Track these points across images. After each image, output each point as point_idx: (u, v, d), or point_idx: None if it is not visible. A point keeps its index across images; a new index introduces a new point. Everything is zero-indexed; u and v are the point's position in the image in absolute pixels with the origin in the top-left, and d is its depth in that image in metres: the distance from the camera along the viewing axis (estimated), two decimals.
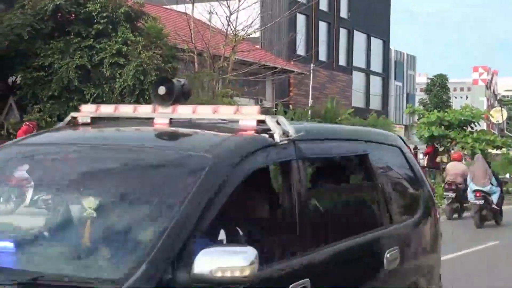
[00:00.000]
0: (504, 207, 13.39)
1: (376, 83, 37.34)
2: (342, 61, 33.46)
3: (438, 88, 41.28)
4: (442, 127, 21.14)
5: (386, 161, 3.45)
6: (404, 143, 3.76)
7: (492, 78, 72.00)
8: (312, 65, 28.11)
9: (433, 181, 19.78)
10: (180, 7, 21.15)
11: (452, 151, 19.69)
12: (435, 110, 24.32)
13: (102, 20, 14.94)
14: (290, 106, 25.79)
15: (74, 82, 14.61)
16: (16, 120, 14.04)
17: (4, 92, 15.47)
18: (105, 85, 15.02)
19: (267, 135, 2.67)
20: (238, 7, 18.81)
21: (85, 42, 14.89)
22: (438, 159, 21.14)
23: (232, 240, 2.55)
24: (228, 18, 19.09)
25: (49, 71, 14.83)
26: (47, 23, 14.93)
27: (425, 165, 21.14)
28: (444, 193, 14.20)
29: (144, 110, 2.96)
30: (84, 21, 15.15)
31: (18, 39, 14.38)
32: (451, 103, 41.38)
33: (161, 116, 2.80)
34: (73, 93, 14.87)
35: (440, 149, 21.54)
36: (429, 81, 44.83)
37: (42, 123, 13.96)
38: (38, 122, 13.58)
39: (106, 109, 3.04)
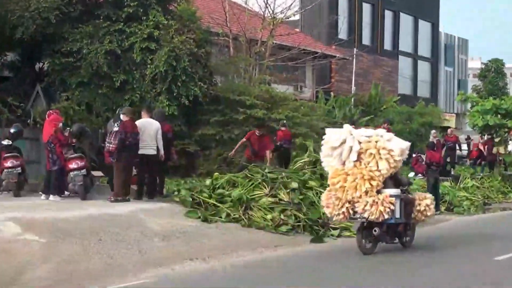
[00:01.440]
0: None
1: (424, 68, 36.34)
2: (387, 45, 32.73)
3: (493, 73, 39.74)
4: (498, 115, 20.31)
5: None
6: None
7: None
8: (355, 49, 27.54)
9: (480, 174, 19.01)
10: None
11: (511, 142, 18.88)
12: (490, 98, 23.47)
13: (133, 3, 14.76)
14: (332, 93, 25.32)
15: (103, 68, 14.50)
16: (43, 108, 14.03)
17: (31, 79, 15.50)
18: (135, 71, 14.90)
19: None
20: None
21: (114, 26, 14.74)
22: (494, 150, 20.31)
23: None
24: (265, 0, 18.72)
25: (78, 57, 14.76)
26: (75, 6, 14.83)
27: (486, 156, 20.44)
28: None
29: None
30: (113, 4, 15.01)
31: (46, 23, 14.32)
32: (508, 90, 39.83)
33: None
34: (102, 79, 14.78)
35: (496, 140, 20.68)
36: (483, 66, 43.27)
37: (70, 111, 13.92)
38: (65, 110, 13.54)
39: None
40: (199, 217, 9.64)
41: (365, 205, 7.92)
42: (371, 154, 8.11)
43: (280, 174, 10.99)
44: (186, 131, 15.43)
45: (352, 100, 25.35)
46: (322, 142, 8.65)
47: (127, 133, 10.12)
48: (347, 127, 8.66)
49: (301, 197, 10.34)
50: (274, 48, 20.22)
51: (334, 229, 9.80)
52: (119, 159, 10.07)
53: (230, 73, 18.13)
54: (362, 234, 8.18)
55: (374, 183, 7.92)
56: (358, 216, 8.11)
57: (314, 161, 11.86)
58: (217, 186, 10.68)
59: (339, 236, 9.69)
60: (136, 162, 10.56)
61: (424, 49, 36.11)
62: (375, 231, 8.07)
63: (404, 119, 24.68)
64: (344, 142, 8.27)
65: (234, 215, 9.83)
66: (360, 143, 8.24)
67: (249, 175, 10.82)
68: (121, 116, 10.35)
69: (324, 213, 9.20)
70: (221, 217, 9.74)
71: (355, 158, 8.18)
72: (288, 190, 10.31)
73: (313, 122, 17.80)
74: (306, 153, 12.83)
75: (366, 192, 7.93)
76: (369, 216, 7.95)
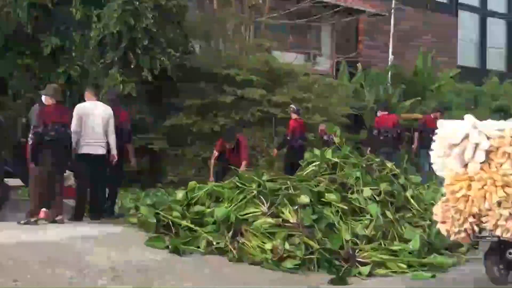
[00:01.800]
0: None
1: (497, 29, 36.32)
2: None
3: None
4: None
5: None
6: None
7: None
8: (393, 1, 27.54)
9: None
10: None
11: None
12: None
13: None
14: (359, 64, 25.32)
15: (27, 28, 14.57)
16: None
17: None
18: (74, 34, 14.98)
19: None
20: None
21: None
22: None
23: None
24: None
25: None
26: None
27: None
28: None
29: None
30: None
31: None
32: None
33: None
34: (24, 44, 14.87)
35: None
36: None
37: None
38: None
39: None
40: (167, 247, 9.57)
41: (498, 220, 7.96)
42: (505, 153, 8.13)
43: (284, 183, 10.96)
44: (149, 120, 15.46)
45: (389, 75, 25.43)
46: (435, 137, 8.69)
47: (46, 124, 10.02)
48: (469, 118, 8.62)
49: (314, 217, 10.30)
50: (276, 0, 20.24)
51: (363, 264, 9.77)
52: (36, 162, 10.02)
53: (214, 36, 18.17)
54: (492, 259, 8.23)
55: (510, 190, 7.95)
56: (486, 234, 8.17)
57: (333, 164, 11.84)
58: (194, 201, 10.66)
59: (370, 274, 9.65)
60: (75, 166, 10.53)
61: (496, 2, 36.15)
62: (510, 254, 8.12)
63: (467, 103, 24.75)
64: (466, 137, 8.29)
65: (218, 243, 9.78)
66: (489, 138, 8.26)
67: (240, 185, 10.79)
68: (43, 98, 10.33)
69: (346, 241, 9.06)
70: (199, 247, 9.68)
71: (483, 159, 8.20)
72: (296, 207, 10.28)
73: (333, 107, 17.80)
74: (320, 152, 12.75)
75: (499, 203, 7.96)
76: (503, 233, 8.00)
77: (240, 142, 12.74)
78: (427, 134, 15.23)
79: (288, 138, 14.71)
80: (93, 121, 10.63)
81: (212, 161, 12.93)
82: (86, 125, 10.53)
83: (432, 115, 17.07)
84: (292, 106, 15.21)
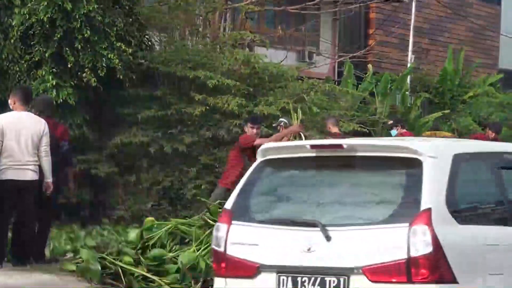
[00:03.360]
0: None
1: None
2: None
3: None
4: None
5: None
6: None
7: None
8: None
9: None
10: None
11: None
12: None
13: None
14: (369, 66, 25.43)
15: None
16: None
17: None
18: None
19: None
20: None
21: None
22: None
23: None
24: None
25: None
26: None
27: None
28: None
29: None
30: None
31: None
32: None
33: None
34: None
35: None
36: None
37: None
38: None
39: None
40: None
41: None
42: None
43: None
44: (92, 137, 15.45)
45: (408, 80, 25.47)
46: None
47: None
48: None
49: None
50: None
51: None
52: None
53: (178, 26, 18.19)
54: None
55: None
56: None
57: None
58: (152, 242, 10.72)
59: None
60: None
61: None
62: None
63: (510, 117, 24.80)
64: None
65: None
66: None
67: (212, 222, 10.86)
68: None
69: None
70: None
71: None
72: None
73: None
74: None
75: None
76: None
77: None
78: None
79: None
80: (20, 138, 10.63)
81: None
82: (10, 142, 10.52)
83: (488, 134, 16.98)
84: (282, 119, 15.10)
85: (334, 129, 15.46)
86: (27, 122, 10.73)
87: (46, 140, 10.70)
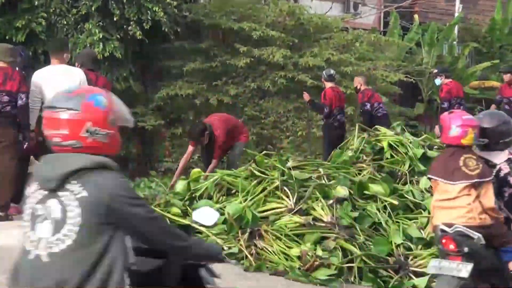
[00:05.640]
0: None
1: None
2: None
3: None
4: None
5: None
6: None
7: None
8: None
9: None
10: None
11: None
12: None
13: None
14: (416, 16, 25.31)
15: None
16: None
17: None
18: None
19: None
20: None
21: None
22: None
23: None
24: None
25: None
26: None
27: None
28: None
29: None
30: None
31: None
32: None
33: None
34: None
35: None
36: None
37: None
38: None
39: None
40: None
41: None
42: None
43: (315, 171, 11.15)
44: (138, 90, 15.59)
45: (456, 30, 25.34)
46: None
47: None
48: None
49: (355, 214, 10.49)
50: None
51: (419, 275, 9.95)
52: None
53: None
54: None
55: None
56: None
57: (379, 149, 12.01)
58: (199, 194, 10.86)
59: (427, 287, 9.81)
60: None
61: None
62: None
63: None
64: None
65: (229, 248, 9.98)
66: None
67: (258, 174, 10.98)
68: None
69: (396, 245, 9.24)
70: None
71: None
72: (331, 202, 10.47)
73: (380, 72, 17.87)
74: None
75: None
76: None
77: (216, 137, 12.54)
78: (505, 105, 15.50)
79: (326, 110, 14.41)
80: (58, 91, 10.61)
81: (184, 158, 12.62)
82: (48, 97, 10.38)
83: (505, 79, 17.12)
84: (329, 70, 15.01)
85: (363, 87, 15.49)
86: (65, 75, 10.79)
87: None
